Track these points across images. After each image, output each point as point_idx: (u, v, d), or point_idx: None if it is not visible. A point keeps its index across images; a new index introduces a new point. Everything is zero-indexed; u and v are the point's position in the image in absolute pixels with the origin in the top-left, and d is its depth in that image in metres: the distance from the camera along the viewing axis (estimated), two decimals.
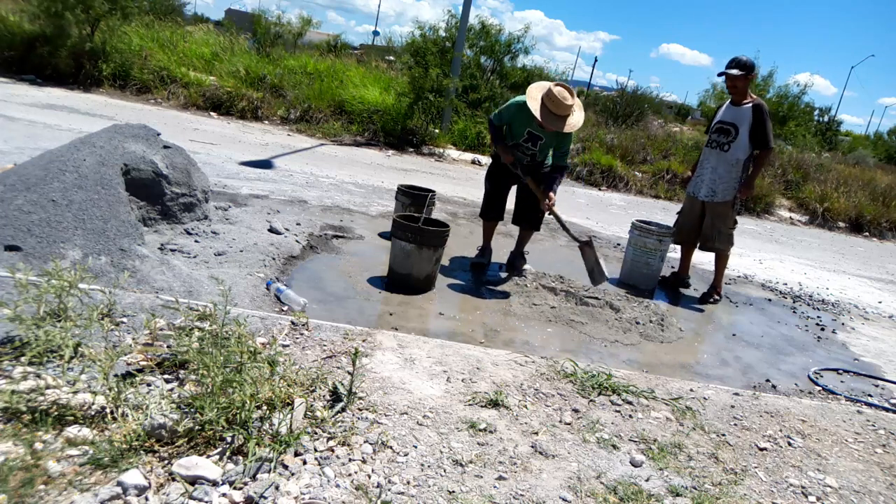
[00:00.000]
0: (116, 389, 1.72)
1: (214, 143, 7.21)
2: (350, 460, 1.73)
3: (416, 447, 1.87)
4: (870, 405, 3.09)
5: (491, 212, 4.31)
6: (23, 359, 1.80)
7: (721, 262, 4.57)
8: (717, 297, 4.59)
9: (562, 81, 3.83)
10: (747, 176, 4.30)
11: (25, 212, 2.69)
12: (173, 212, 3.67)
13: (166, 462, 1.58)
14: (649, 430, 2.27)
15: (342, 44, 18.95)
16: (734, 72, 4.16)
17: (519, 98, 3.94)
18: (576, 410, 2.31)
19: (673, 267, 4.96)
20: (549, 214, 4.07)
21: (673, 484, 1.93)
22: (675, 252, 4.99)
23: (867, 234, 10.46)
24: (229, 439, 1.69)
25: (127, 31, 10.36)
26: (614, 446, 2.10)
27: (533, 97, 3.79)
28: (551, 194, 3.95)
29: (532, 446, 2.00)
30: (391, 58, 15.42)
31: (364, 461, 1.75)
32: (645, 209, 8.58)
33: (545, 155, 4.10)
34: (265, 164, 6.52)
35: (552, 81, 3.96)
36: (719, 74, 4.33)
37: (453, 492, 1.69)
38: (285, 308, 2.97)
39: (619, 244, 5.82)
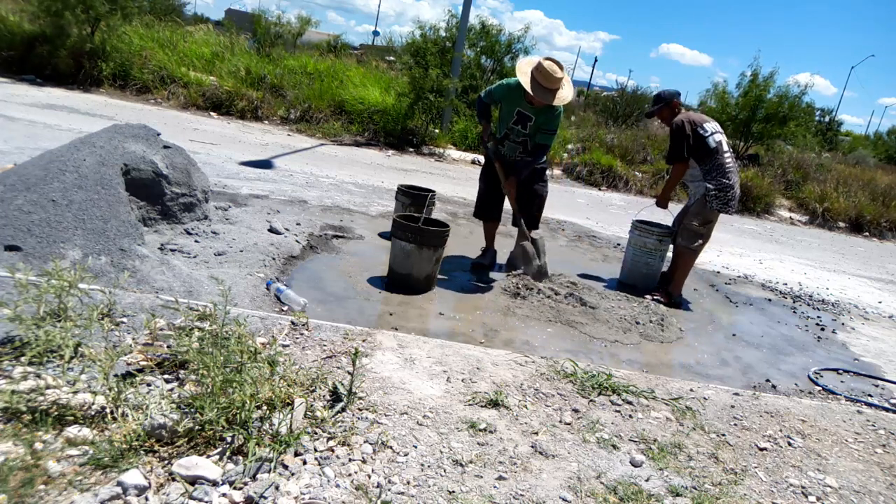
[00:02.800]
0: (116, 389, 1.72)
1: (214, 143, 7.21)
2: (350, 460, 1.73)
3: (416, 447, 1.87)
4: (870, 405, 3.09)
5: (484, 211, 4.30)
6: (23, 359, 1.80)
7: (680, 261, 4.32)
8: (661, 298, 4.25)
9: (551, 57, 3.78)
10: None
11: (25, 212, 2.69)
12: (173, 212, 3.67)
13: (166, 462, 1.58)
14: (649, 430, 2.27)
15: (342, 44, 18.94)
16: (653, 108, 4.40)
17: (510, 79, 3.93)
18: (576, 410, 2.31)
19: None
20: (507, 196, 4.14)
21: (673, 484, 1.93)
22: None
23: (867, 234, 10.46)
24: (229, 439, 1.69)
25: (127, 31, 10.34)
26: (614, 446, 2.10)
27: (523, 72, 3.78)
28: (512, 178, 4.03)
29: (532, 446, 2.00)
30: (391, 58, 15.40)
31: (364, 461, 1.75)
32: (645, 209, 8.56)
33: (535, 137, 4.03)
34: (265, 164, 6.52)
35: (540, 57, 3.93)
36: (648, 116, 4.64)
37: (453, 492, 1.69)
38: (285, 308, 2.97)
39: (619, 244, 5.82)
